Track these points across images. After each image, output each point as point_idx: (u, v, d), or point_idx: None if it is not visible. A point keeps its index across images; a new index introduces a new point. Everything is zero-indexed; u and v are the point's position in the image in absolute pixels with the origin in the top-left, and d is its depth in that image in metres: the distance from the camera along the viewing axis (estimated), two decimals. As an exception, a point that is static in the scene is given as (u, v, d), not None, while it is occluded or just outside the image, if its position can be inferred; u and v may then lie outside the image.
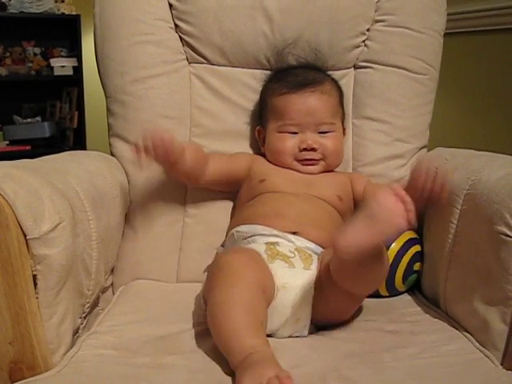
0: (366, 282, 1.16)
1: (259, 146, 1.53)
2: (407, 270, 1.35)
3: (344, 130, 1.52)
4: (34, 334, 0.98)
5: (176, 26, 1.52)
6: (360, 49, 1.58)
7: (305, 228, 1.30)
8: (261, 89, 1.54)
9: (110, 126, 1.53)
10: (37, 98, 4.45)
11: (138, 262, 1.47)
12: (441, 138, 1.67)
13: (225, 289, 1.06)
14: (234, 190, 1.50)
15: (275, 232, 1.27)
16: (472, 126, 2.78)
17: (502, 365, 1.05)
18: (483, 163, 1.24)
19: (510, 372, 1.02)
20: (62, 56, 4.37)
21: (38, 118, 4.39)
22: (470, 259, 1.18)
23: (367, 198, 1.22)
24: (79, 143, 4.38)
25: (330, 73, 1.54)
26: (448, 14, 1.60)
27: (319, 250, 1.28)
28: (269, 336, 1.09)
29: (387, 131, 1.56)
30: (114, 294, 1.43)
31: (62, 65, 4.28)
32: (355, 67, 1.60)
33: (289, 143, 1.43)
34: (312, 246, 1.28)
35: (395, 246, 1.34)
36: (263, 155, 1.52)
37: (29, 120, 4.34)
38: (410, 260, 1.35)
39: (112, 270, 1.45)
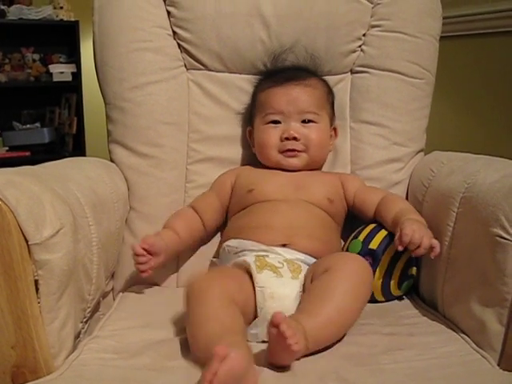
0: None
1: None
2: (402, 276, 1.35)
3: (335, 130, 1.54)
4: (36, 338, 0.99)
5: (174, 32, 1.53)
6: (356, 54, 1.59)
7: (295, 239, 1.31)
8: (255, 93, 1.56)
9: (109, 133, 1.54)
10: (36, 104, 4.46)
11: (138, 267, 1.48)
12: (438, 142, 1.68)
13: (196, 306, 1.09)
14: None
15: (263, 247, 1.28)
16: (468, 129, 2.79)
17: (499, 365, 1.06)
18: (479, 166, 1.25)
19: (506, 372, 1.03)
20: (61, 62, 4.37)
21: (38, 124, 4.39)
22: (466, 261, 1.19)
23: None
24: (78, 149, 4.38)
25: (326, 78, 1.56)
26: (444, 18, 1.61)
27: (310, 259, 1.29)
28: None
29: (385, 135, 1.57)
30: (114, 298, 1.44)
31: (60, 71, 4.28)
32: (352, 72, 1.61)
33: (272, 134, 1.45)
34: (302, 256, 1.29)
35: (387, 253, 1.34)
36: (257, 161, 1.53)
37: (28, 126, 4.34)
38: (405, 265, 1.35)
39: (112, 275, 1.46)
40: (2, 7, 4.01)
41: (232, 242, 1.34)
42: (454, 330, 1.19)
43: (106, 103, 1.53)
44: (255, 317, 1.16)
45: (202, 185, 1.54)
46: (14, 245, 0.96)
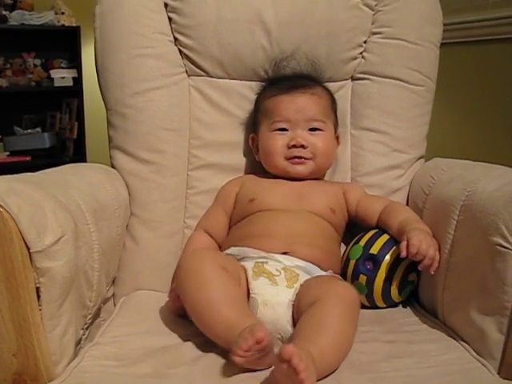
0: None
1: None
2: (402, 281, 1.35)
3: (338, 137, 1.54)
4: (37, 345, 0.99)
5: (175, 39, 1.53)
6: (357, 61, 1.60)
7: (295, 247, 1.31)
8: (257, 100, 1.56)
9: (110, 138, 1.54)
10: (37, 109, 4.46)
11: (138, 272, 1.48)
12: (438, 149, 1.69)
13: (198, 288, 1.14)
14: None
15: (263, 254, 1.29)
16: (469, 136, 2.79)
17: (498, 374, 1.06)
18: (479, 174, 1.25)
19: (506, 381, 1.03)
20: (62, 67, 4.37)
21: (38, 129, 4.40)
22: (466, 269, 1.19)
23: None
24: (79, 154, 4.39)
25: (327, 84, 1.56)
26: (444, 25, 1.61)
27: (311, 267, 1.29)
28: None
29: (385, 142, 1.57)
30: (115, 304, 1.44)
31: (61, 76, 4.28)
32: (353, 79, 1.61)
33: (279, 141, 1.45)
34: (302, 263, 1.29)
35: (389, 258, 1.34)
36: (259, 168, 1.54)
37: (29, 131, 4.35)
38: (406, 270, 1.35)
39: (113, 281, 1.46)
40: (4, 12, 4.02)
41: (232, 250, 1.34)
42: (453, 338, 1.19)
43: (107, 109, 1.53)
44: None
45: (202, 191, 1.54)
46: (16, 252, 0.96)
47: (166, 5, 1.52)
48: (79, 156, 4.34)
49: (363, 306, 1.34)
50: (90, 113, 4.32)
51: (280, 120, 1.46)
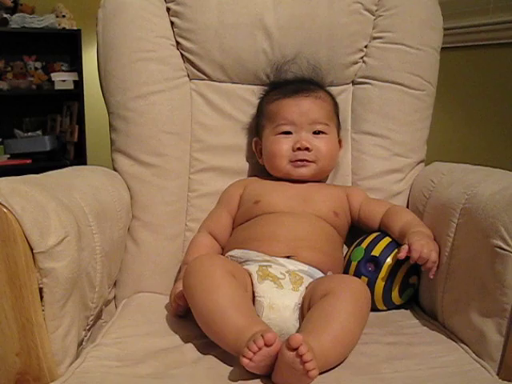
0: None
1: (257, 159, 1.56)
2: (403, 284, 1.36)
3: (340, 141, 1.55)
4: (40, 345, 1.00)
5: (177, 43, 1.54)
6: (358, 65, 1.60)
7: (299, 251, 1.32)
8: (259, 104, 1.57)
9: (112, 142, 1.54)
10: (38, 112, 4.47)
11: (140, 275, 1.49)
12: (438, 153, 1.69)
13: (207, 292, 1.13)
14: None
15: (267, 258, 1.29)
16: (469, 140, 2.80)
17: (498, 375, 1.07)
18: (479, 178, 1.26)
19: (506, 382, 1.03)
20: (63, 70, 4.38)
21: (39, 132, 4.40)
22: (466, 272, 1.20)
23: None
24: (80, 157, 4.39)
25: (328, 89, 1.57)
26: (445, 29, 1.62)
27: (314, 271, 1.29)
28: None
29: (386, 146, 1.58)
30: (116, 306, 1.45)
31: (62, 79, 4.29)
32: (353, 83, 1.62)
33: (284, 145, 1.46)
34: (306, 268, 1.29)
35: (390, 260, 1.35)
36: (260, 171, 1.55)
37: (30, 134, 4.35)
38: (406, 274, 1.36)
39: (115, 284, 1.47)
40: (5, 15, 4.03)
41: (236, 252, 1.34)
42: (453, 340, 1.19)
43: (109, 112, 1.53)
44: None
45: (204, 194, 1.55)
46: (19, 253, 0.97)
47: (168, 9, 1.53)
48: (80, 159, 4.34)
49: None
50: (91, 116, 4.33)
51: (284, 123, 1.46)
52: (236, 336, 1.04)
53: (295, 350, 0.93)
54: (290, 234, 1.35)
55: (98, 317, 1.32)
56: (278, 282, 1.21)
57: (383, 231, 1.42)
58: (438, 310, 1.31)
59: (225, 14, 1.52)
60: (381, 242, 1.38)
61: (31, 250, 0.99)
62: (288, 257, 1.30)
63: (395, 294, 1.37)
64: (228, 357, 1.09)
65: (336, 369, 1.06)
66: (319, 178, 1.52)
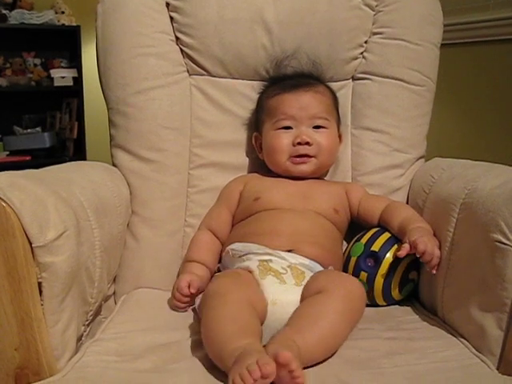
0: None
1: (257, 154, 1.56)
2: (403, 279, 1.36)
3: (340, 136, 1.54)
4: (39, 340, 1.00)
5: (177, 38, 1.54)
6: (358, 60, 1.60)
7: (300, 245, 1.31)
8: (258, 99, 1.57)
9: (111, 137, 1.54)
10: (37, 109, 4.47)
11: (139, 270, 1.48)
12: (438, 148, 1.70)
13: (214, 307, 1.09)
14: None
15: (269, 250, 1.28)
16: (469, 135, 2.80)
17: (498, 369, 1.07)
18: (479, 173, 1.26)
19: (505, 376, 1.03)
20: (62, 67, 4.38)
21: (38, 129, 4.40)
22: (466, 267, 1.20)
23: None
24: (79, 153, 4.39)
25: (328, 84, 1.56)
26: (445, 25, 1.62)
27: (315, 265, 1.29)
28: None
29: (385, 141, 1.58)
30: (116, 302, 1.45)
31: (62, 75, 4.29)
32: (353, 79, 1.62)
33: (284, 140, 1.45)
34: (307, 261, 1.29)
35: (390, 256, 1.34)
36: (260, 167, 1.55)
37: (29, 130, 4.35)
38: (406, 269, 1.36)
39: (114, 279, 1.46)
40: (4, 12, 4.03)
41: (236, 246, 1.34)
42: (453, 335, 1.19)
43: (108, 108, 1.53)
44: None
45: (204, 190, 1.55)
46: (18, 247, 0.97)
47: (167, 4, 1.53)
48: (79, 156, 4.34)
49: (363, 304, 1.36)
50: (90, 112, 4.33)
51: (284, 118, 1.46)
52: (219, 346, 1.01)
53: (285, 366, 0.91)
54: (291, 228, 1.35)
55: (98, 312, 1.32)
56: (281, 277, 1.20)
57: (383, 227, 1.42)
58: (437, 305, 1.31)
59: (224, 8, 1.51)
60: (380, 238, 1.38)
61: (30, 244, 0.98)
62: (289, 251, 1.30)
63: (395, 290, 1.36)
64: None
65: (336, 364, 1.06)
66: (319, 174, 1.52)
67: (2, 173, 1.04)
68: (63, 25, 4.26)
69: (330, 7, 1.55)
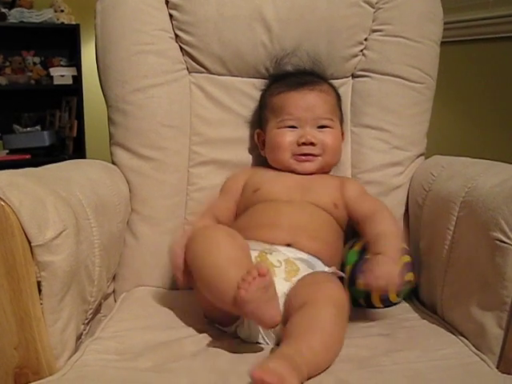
0: None
1: (259, 151, 1.55)
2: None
3: (342, 134, 1.54)
4: (38, 339, 1.00)
5: (176, 36, 1.54)
6: (358, 58, 1.60)
7: (299, 239, 1.31)
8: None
9: (111, 135, 1.54)
10: (36, 107, 4.46)
11: (139, 269, 1.49)
12: (438, 146, 1.69)
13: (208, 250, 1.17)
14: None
15: (267, 246, 1.28)
16: (469, 133, 2.80)
17: (497, 368, 1.07)
18: (479, 171, 1.26)
19: (505, 375, 1.04)
20: (62, 65, 4.38)
21: (38, 127, 4.40)
22: (466, 265, 1.19)
23: None
24: (79, 152, 4.39)
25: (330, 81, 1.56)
26: (445, 23, 1.61)
27: (312, 259, 1.29)
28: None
29: (385, 139, 1.57)
30: (115, 301, 1.45)
31: (61, 74, 4.29)
32: (353, 76, 1.62)
33: (288, 138, 1.45)
34: (305, 256, 1.28)
35: None
36: (260, 164, 1.55)
37: (28, 129, 4.35)
38: (401, 271, 1.34)
39: (114, 277, 1.46)
40: (3, 10, 4.02)
41: None
42: (453, 333, 1.19)
43: (107, 106, 1.53)
44: None
45: (203, 187, 1.54)
46: (17, 246, 0.97)
47: (166, 2, 1.53)
48: (79, 154, 4.34)
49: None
50: (90, 111, 4.33)
51: (289, 118, 1.45)
52: (234, 290, 1.05)
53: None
54: (290, 221, 1.34)
55: (97, 311, 1.32)
56: (273, 269, 1.20)
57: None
58: (437, 303, 1.31)
59: (224, 6, 1.51)
60: None
61: (29, 243, 0.98)
62: (288, 245, 1.30)
63: (392, 293, 1.35)
64: (226, 351, 1.09)
65: (335, 362, 1.05)
66: (323, 172, 1.51)
67: (2, 172, 1.04)
68: (62, 23, 4.25)
69: (330, 4, 1.54)
